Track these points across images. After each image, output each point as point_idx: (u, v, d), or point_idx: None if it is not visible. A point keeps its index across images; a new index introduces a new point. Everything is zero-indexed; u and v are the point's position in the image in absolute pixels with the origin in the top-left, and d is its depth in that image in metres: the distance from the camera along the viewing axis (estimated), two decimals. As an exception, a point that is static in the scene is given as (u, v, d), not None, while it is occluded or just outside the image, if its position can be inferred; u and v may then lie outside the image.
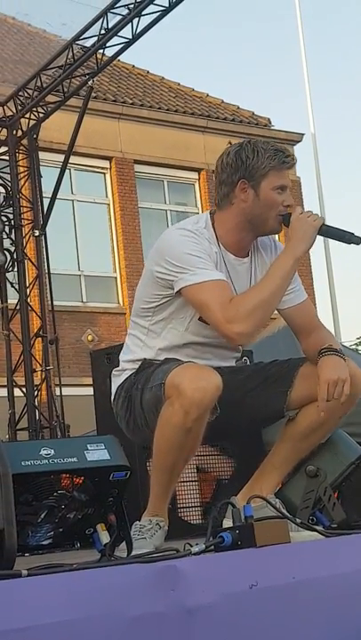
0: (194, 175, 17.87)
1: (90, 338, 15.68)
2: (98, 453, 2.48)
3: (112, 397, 3.46)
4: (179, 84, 19.52)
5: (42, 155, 11.23)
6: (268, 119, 19.50)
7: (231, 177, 3.26)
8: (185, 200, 17.99)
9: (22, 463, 2.35)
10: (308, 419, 3.30)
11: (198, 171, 17.83)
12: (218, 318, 3.10)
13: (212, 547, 2.58)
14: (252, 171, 3.23)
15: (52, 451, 2.41)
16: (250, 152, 3.25)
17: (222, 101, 19.42)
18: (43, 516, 2.46)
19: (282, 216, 3.27)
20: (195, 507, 5.61)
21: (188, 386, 2.99)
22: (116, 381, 3.45)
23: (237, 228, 3.29)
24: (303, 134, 19.44)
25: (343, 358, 3.27)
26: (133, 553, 2.58)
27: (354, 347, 22.69)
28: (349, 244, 3.22)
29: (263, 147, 3.28)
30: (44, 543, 2.54)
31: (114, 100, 17.26)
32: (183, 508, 5.58)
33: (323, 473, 3.26)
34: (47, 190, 10.94)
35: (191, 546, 2.56)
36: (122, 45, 9.73)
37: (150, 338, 3.35)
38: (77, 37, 9.89)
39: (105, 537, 2.51)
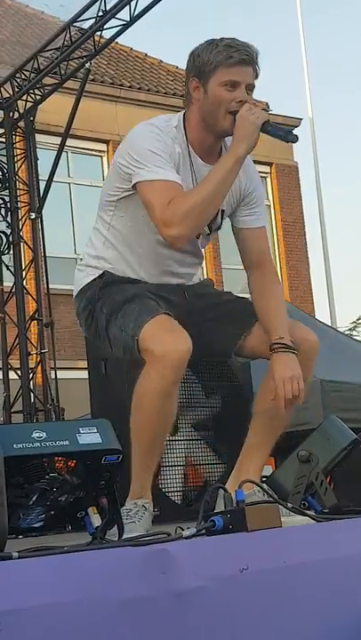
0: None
1: (85, 321, 15.67)
2: (90, 437, 2.48)
3: (74, 294, 3.43)
4: (177, 68, 19.44)
5: (38, 137, 11.19)
6: (266, 103, 19.42)
7: (188, 76, 3.30)
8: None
9: (14, 446, 2.35)
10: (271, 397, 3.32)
11: (195, 155, 17.81)
12: (157, 219, 3.11)
13: (204, 530, 2.59)
14: (201, 68, 3.22)
15: (44, 434, 2.41)
16: (202, 50, 3.23)
17: (220, 85, 19.37)
18: (34, 498, 2.46)
19: (234, 115, 3.19)
20: (187, 490, 5.62)
21: (163, 350, 3.02)
22: (79, 277, 3.43)
23: (198, 128, 3.27)
24: (301, 119, 19.42)
25: (295, 353, 3.28)
26: (124, 536, 2.59)
27: (348, 332, 22.71)
28: (288, 141, 3.23)
29: (218, 43, 3.20)
30: (35, 526, 2.55)
31: (111, 83, 17.19)
32: (174, 491, 5.59)
33: (315, 458, 3.27)
34: (44, 173, 10.91)
35: (183, 529, 2.56)
36: (119, 28, 9.69)
37: (111, 234, 3.34)
38: (75, 19, 9.84)
39: (96, 520, 2.51)
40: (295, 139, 3.18)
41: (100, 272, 3.36)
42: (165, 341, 3.05)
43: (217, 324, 3.38)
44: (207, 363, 6.63)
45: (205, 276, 18.42)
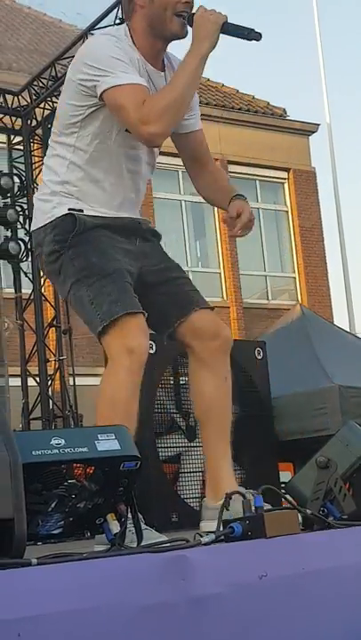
0: (208, 165, 17.84)
1: (104, 328, 15.71)
2: (108, 443, 2.48)
3: (38, 224, 3.33)
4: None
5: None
6: (284, 109, 19.45)
7: None
8: (199, 190, 17.96)
9: (33, 452, 2.35)
10: (207, 396, 3.39)
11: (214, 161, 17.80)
12: (133, 119, 3.10)
13: (223, 537, 2.59)
14: None
15: (63, 440, 2.41)
16: None
17: (237, 91, 19.36)
18: (53, 505, 2.47)
19: (182, 17, 3.22)
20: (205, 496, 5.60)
21: (135, 346, 3.10)
22: (45, 207, 3.32)
23: (144, 35, 3.27)
24: (318, 124, 19.37)
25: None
26: (143, 543, 2.59)
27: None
28: (250, 40, 3.21)
29: None
30: (54, 532, 2.55)
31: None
32: (193, 498, 5.59)
33: (333, 464, 3.26)
34: (62, 180, 10.94)
35: (201, 536, 2.56)
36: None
37: (77, 155, 3.29)
38: (92, 27, 9.88)
39: (115, 526, 2.51)
40: (258, 36, 3.20)
41: (68, 200, 3.29)
42: (138, 337, 3.13)
43: (162, 301, 3.39)
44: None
45: (223, 283, 18.28)
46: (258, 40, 3.23)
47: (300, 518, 2.92)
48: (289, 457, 7.28)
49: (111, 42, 3.22)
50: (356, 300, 18.32)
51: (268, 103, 19.39)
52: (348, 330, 15.32)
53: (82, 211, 3.28)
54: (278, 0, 46.32)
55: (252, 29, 3.22)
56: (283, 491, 3.32)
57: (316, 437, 7.17)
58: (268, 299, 18.18)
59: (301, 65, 46.64)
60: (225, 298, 17.30)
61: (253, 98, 19.37)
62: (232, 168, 17.92)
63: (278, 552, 2.56)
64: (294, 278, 18.62)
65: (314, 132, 19.38)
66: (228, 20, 3.22)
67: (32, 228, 3.42)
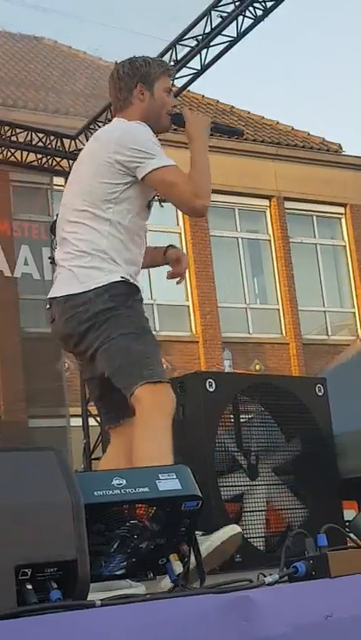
0: (265, 202, 17.87)
1: (163, 367, 15.75)
2: (169, 483, 2.48)
3: (86, 290, 3.51)
4: (249, 113, 19.59)
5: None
6: (339, 144, 19.46)
7: (129, 83, 3.69)
8: (256, 227, 17.99)
9: (95, 493, 2.36)
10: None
11: (269, 198, 17.82)
12: (188, 193, 3.56)
13: (286, 577, 2.56)
14: (146, 76, 3.70)
15: (124, 480, 2.42)
16: (141, 62, 3.74)
17: (292, 128, 19.43)
18: (115, 545, 2.46)
19: (171, 115, 3.77)
20: (269, 536, 5.56)
21: (172, 410, 3.52)
22: (90, 275, 3.53)
23: None
24: (376, 158, 19.34)
25: None
26: (206, 583, 2.57)
27: None
28: (233, 136, 3.92)
29: (147, 59, 3.78)
30: (117, 573, 2.55)
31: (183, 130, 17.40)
32: (256, 537, 5.54)
33: None
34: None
35: (265, 576, 2.54)
36: (191, 76, 9.82)
37: (115, 228, 3.60)
38: (147, 70, 10.00)
39: (178, 567, 2.50)
40: (240, 133, 3.94)
41: (117, 268, 3.59)
42: (172, 402, 3.55)
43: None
44: (287, 407, 6.59)
45: (282, 319, 18.27)
46: (240, 136, 3.97)
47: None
48: (353, 495, 7.18)
49: (147, 129, 3.61)
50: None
51: (324, 139, 19.41)
52: None
53: (130, 278, 3.62)
54: (331, 36, 46.49)
55: (234, 128, 3.94)
56: (347, 529, 3.28)
57: (379, 474, 7.06)
58: (327, 334, 18.08)
59: (356, 99, 46.63)
60: (284, 334, 17.24)
61: (308, 134, 19.41)
62: (288, 205, 17.94)
63: (344, 592, 2.52)
64: (354, 313, 18.51)
65: (371, 167, 19.35)
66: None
67: (73, 291, 3.57)
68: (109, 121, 10.41)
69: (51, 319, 3.66)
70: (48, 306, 3.68)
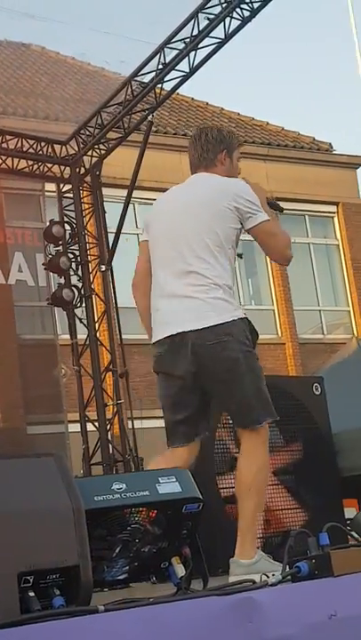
0: (257, 203, 17.88)
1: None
2: (170, 486, 2.48)
3: (225, 321, 3.88)
4: (238, 114, 19.59)
5: (105, 190, 11.34)
6: (330, 144, 19.46)
7: (216, 147, 4.30)
8: (249, 228, 18.00)
9: (95, 498, 2.36)
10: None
11: (261, 199, 17.84)
12: (285, 243, 4.17)
13: (289, 577, 2.56)
14: (230, 145, 4.35)
15: (124, 485, 2.41)
16: (226, 133, 4.40)
17: (282, 129, 19.43)
18: (117, 550, 2.46)
19: (269, 203, 4.25)
20: (269, 536, 5.55)
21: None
22: (226, 308, 3.92)
23: None
24: (365, 157, 19.34)
25: None
26: (210, 585, 2.57)
27: None
28: (276, 210, 4.23)
29: (230, 130, 4.53)
30: (119, 578, 2.54)
31: (174, 134, 17.39)
32: (257, 538, 5.52)
33: None
34: (112, 225, 11.04)
35: (268, 577, 2.53)
36: (180, 79, 9.81)
37: (230, 267, 4.05)
38: (136, 74, 10.00)
39: (180, 570, 2.50)
40: (279, 208, 4.33)
41: (240, 312, 4.04)
42: None
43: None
44: (285, 407, 6.58)
45: (278, 319, 18.25)
46: (281, 211, 4.35)
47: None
48: (353, 493, 7.18)
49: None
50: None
51: (314, 139, 19.41)
52: None
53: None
54: (317, 35, 46.54)
55: (277, 203, 4.35)
56: (348, 528, 3.28)
57: (379, 472, 7.06)
58: (323, 333, 18.07)
59: (345, 99, 46.64)
60: (280, 334, 17.24)
61: (299, 134, 19.42)
62: (281, 205, 17.95)
63: (347, 590, 2.51)
64: (349, 312, 18.51)
65: (361, 165, 19.35)
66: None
67: (214, 322, 3.89)
68: (100, 126, 10.44)
69: (169, 351, 3.96)
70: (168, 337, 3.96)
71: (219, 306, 3.89)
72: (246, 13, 9.00)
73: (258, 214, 4.04)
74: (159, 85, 9.93)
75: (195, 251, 3.95)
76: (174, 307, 3.92)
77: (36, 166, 10.82)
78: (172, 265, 3.97)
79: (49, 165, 10.90)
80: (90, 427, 10.61)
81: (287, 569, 2.59)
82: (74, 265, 10.69)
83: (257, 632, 2.26)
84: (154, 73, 9.79)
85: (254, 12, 8.98)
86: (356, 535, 3.11)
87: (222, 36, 9.20)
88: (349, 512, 6.35)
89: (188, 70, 9.63)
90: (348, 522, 3.41)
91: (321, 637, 2.36)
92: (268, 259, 18.37)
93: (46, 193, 11.62)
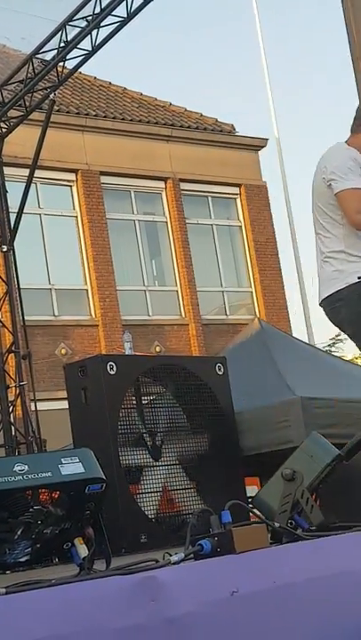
0: (160, 184, 17.87)
1: (63, 351, 15.63)
2: (72, 467, 2.46)
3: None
4: (141, 94, 19.53)
5: (7, 170, 11.18)
6: (232, 125, 19.56)
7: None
8: (153, 209, 17.98)
9: (-4, 480, 2.33)
10: None
11: (165, 179, 17.82)
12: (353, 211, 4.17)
13: (192, 555, 2.57)
14: None
15: (26, 466, 2.39)
16: None
17: (185, 109, 19.45)
18: (19, 532, 2.44)
19: None
20: (173, 515, 5.59)
21: None
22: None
23: None
24: (267, 139, 19.50)
25: None
26: (112, 565, 2.57)
27: (327, 348, 22.76)
28: None
29: None
30: (22, 560, 2.52)
31: (77, 113, 17.24)
32: (161, 517, 5.56)
33: (299, 476, 3.26)
34: (13, 205, 10.90)
35: (170, 555, 2.54)
36: (82, 57, 9.72)
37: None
38: (37, 51, 9.87)
39: (83, 550, 2.49)
40: None
41: None
42: None
43: None
44: (188, 387, 6.61)
45: (181, 300, 18.32)
46: None
47: (268, 532, 2.91)
48: (254, 471, 7.27)
49: (349, 152, 4.24)
50: (313, 311, 18.37)
51: (217, 120, 19.49)
52: (308, 341, 15.39)
53: None
54: (221, 17, 46.68)
55: None
56: (250, 505, 3.32)
57: (280, 450, 7.16)
58: (226, 314, 18.22)
59: (248, 82, 46.97)
60: (183, 315, 17.31)
61: (201, 115, 19.46)
62: (184, 186, 17.98)
63: (248, 567, 2.54)
64: (251, 293, 18.69)
65: (263, 147, 19.50)
66: None
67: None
68: (0, 104, 10.28)
69: None
70: None
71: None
72: (149, -8, 8.96)
73: (333, 185, 4.17)
74: (61, 63, 9.82)
75: None
76: None
77: None
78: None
79: None
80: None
81: (190, 547, 2.61)
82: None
83: (160, 610, 2.27)
84: (55, 51, 9.68)
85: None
86: (257, 512, 3.15)
87: (125, 15, 9.15)
88: (251, 490, 6.44)
89: (90, 49, 9.55)
90: (250, 499, 3.45)
91: (223, 614, 2.38)
92: (171, 239, 18.38)
93: None
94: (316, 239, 4.33)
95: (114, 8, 9.13)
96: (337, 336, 24.71)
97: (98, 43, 9.44)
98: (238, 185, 18.87)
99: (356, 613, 2.67)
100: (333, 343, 24.52)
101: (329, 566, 2.74)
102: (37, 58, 9.93)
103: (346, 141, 4.36)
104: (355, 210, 4.15)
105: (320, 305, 4.31)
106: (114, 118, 17.76)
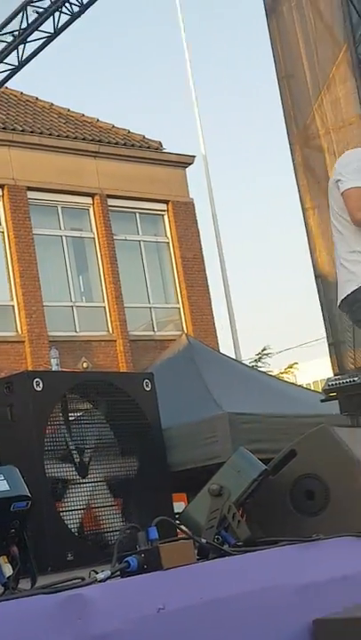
0: (88, 200, 17.82)
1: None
2: (-3, 484, 2.43)
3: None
4: (68, 110, 19.49)
5: None
6: (160, 142, 19.63)
7: None
8: (80, 225, 17.92)
9: None
10: None
11: (92, 195, 17.78)
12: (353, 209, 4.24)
13: (118, 572, 2.56)
14: None
15: None
16: None
17: (113, 126, 19.46)
18: None
19: None
20: (100, 533, 5.56)
21: None
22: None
23: None
24: (194, 156, 19.62)
25: None
26: (38, 583, 2.54)
27: (253, 363, 22.91)
28: None
29: None
30: None
31: (3, 128, 17.12)
32: (88, 534, 5.53)
33: (226, 491, 3.26)
34: None
35: (97, 573, 2.52)
36: (8, 72, 9.69)
37: None
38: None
39: (7, 569, 2.46)
40: None
41: None
42: None
43: None
44: (116, 403, 6.59)
45: (109, 316, 18.27)
46: None
47: (195, 548, 2.90)
48: (182, 487, 7.28)
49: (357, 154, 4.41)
50: (240, 328, 18.46)
51: (144, 137, 19.54)
52: (235, 357, 15.47)
53: None
54: (152, 39, 46.92)
55: None
56: (177, 521, 3.31)
57: (208, 466, 7.18)
58: (153, 330, 18.22)
59: (176, 100, 47.25)
60: (111, 331, 17.27)
61: (129, 132, 19.50)
62: (111, 202, 17.97)
63: (176, 583, 2.54)
64: (179, 309, 18.74)
65: (190, 164, 19.60)
66: None
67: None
68: None
69: None
70: None
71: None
72: (75, 9, 8.99)
73: (340, 185, 4.24)
74: (-13, 78, 9.76)
75: None
76: None
77: None
78: None
79: None
80: None
81: (117, 564, 2.59)
82: None
83: (86, 628, 2.25)
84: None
85: (83, 8, 8.98)
86: (184, 528, 3.14)
87: (52, 31, 9.15)
88: (179, 506, 6.43)
89: (16, 64, 9.52)
90: (178, 515, 3.44)
91: (150, 631, 2.37)
92: (99, 255, 18.36)
93: None
94: (335, 243, 4.41)
95: (41, 24, 9.13)
96: (263, 351, 24.91)
97: (24, 58, 9.43)
98: (166, 201, 18.93)
99: (282, 628, 2.68)
100: (260, 358, 24.70)
101: (255, 581, 2.75)
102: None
103: None
104: (357, 207, 4.21)
105: (339, 307, 4.44)
106: (41, 133, 17.68)
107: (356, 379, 7.41)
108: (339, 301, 4.37)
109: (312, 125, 8.44)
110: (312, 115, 8.38)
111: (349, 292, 4.25)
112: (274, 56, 8.69)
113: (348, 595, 2.92)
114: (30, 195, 17.04)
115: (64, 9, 8.96)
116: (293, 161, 8.58)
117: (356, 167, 4.24)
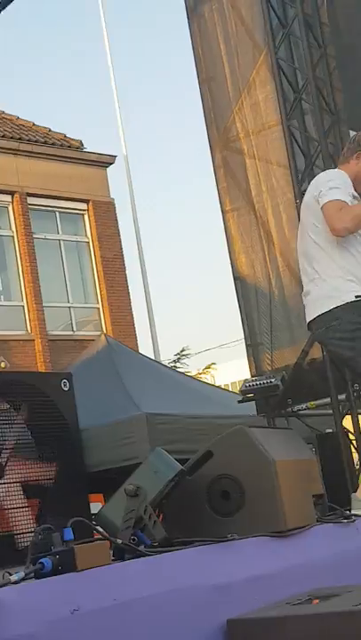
0: (7, 198, 17.64)
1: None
2: None
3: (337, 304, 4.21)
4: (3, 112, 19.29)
5: None
6: (80, 141, 19.54)
7: (355, 149, 4.61)
8: (0, 223, 17.75)
9: None
10: None
11: (12, 193, 17.61)
12: (333, 221, 4.33)
13: (32, 574, 2.54)
14: None
15: None
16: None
17: (33, 124, 19.31)
18: None
19: None
20: (15, 534, 5.52)
21: None
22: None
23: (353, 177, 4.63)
24: (116, 156, 19.58)
25: None
26: None
27: (172, 364, 22.97)
28: None
29: None
30: None
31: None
32: (2, 535, 5.48)
33: (143, 491, 3.26)
34: None
35: (10, 574, 2.50)
36: None
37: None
38: None
39: None
40: None
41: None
42: None
43: None
44: (33, 403, 6.54)
45: (27, 315, 18.14)
46: None
47: (111, 549, 2.90)
48: (99, 488, 7.26)
49: (341, 174, 4.53)
50: (159, 328, 18.49)
51: (65, 135, 19.43)
52: (153, 358, 15.50)
53: None
54: (73, 36, 46.67)
55: None
56: (93, 522, 3.30)
57: (125, 467, 7.18)
58: (72, 330, 18.13)
59: (98, 99, 47.09)
60: (29, 330, 17.13)
61: (50, 131, 19.37)
62: (31, 200, 17.83)
63: (91, 584, 2.53)
64: (98, 309, 18.68)
65: (111, 164, 19.55)
66: None
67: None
68: None
69: None
70: None
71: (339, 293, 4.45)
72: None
73: (320, 200, 4.39)
74: None
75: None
76: None
77: None
78: None
79: None
80: None
81: (31, 566, 2.57)
82: None
83: (-1, 631, 2.22)
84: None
85: (3, 5, 8.88)
86: (100, 529, 3.13)
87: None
88: (95, 506, 6.42)
89: None
90: (94, 516, 3.43)
91: (63, 633, 2.35)
92: (18, 254, 18.21)
93: None
94: (311, 258, 4.44)
95: None
96: (182, 352, 25.00)
97: None
98: (86, 201, 18.86)
99: (197, 628, 2.69)
100: (178, 359, 24.78)
101: (170, 582, 2.75)
102: None
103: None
104: (336, 217, 4.31)
105: (309, 324, 4.41)
106: None
107: (272, 380, 7.51)
108: (311, 317, 4.36)
109: (232, 128, 8.48)
110: (232, 117, 8.42)
111: (329, 309, 4.27)
112: (195, 58, 8.71)
113: (262, 594, 2.95)
114: None
115: (-16, 4, 8.87)
116: (213, 163, 8.61)
117: (335, 184, 4.39)
